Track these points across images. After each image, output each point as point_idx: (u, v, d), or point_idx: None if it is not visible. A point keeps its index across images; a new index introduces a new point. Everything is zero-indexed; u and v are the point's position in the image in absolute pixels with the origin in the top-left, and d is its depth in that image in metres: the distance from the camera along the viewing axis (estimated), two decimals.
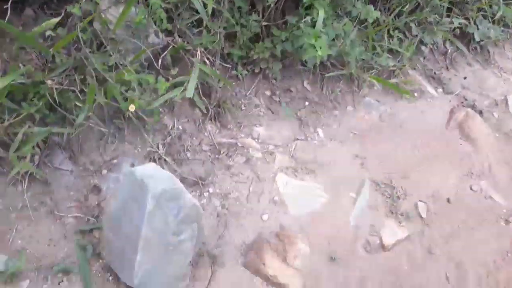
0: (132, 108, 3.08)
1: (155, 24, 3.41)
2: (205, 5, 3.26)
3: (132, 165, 3.39)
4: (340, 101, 4.67)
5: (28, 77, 2.89)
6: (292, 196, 3.69)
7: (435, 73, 5.23)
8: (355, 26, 4.35)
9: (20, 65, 2.89)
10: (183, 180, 3.37)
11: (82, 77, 3.06)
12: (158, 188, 2.54)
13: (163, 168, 3.51)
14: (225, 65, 4.05)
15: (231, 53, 4.04)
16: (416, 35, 4.97)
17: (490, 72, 5.55)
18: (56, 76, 2.96)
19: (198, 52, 3.43)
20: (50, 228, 3.07)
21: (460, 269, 3.55)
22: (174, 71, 3.54)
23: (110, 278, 2.98)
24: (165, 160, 3.56)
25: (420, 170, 4.26)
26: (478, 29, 5.29)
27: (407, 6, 4.72)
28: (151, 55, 3.42)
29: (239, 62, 4.17)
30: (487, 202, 4.11)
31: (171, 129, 3.67)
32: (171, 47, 3.54)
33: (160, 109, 3.60)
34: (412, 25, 4.92)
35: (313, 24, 3.86)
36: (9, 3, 2.74)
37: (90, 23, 3.04)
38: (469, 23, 5.28)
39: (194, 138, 3.80)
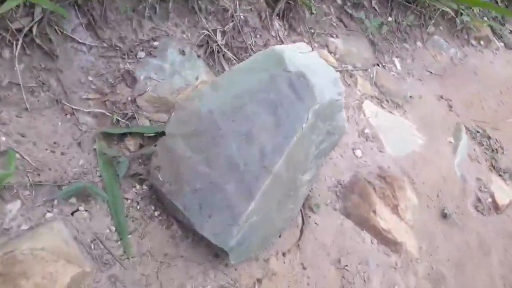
0: None
1: None
2: None
3: (182, 52, 2.17)
4: (409, 33, 3.76)
5: None
6: (385, 131, 2.69)
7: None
8: None
9: None
10: None
11: None
12: (326, 96, 1.41)
13: (221, 65, 2.34)
14: None
15: None
16: None
17: None
18: None
19: None
20: (56, 126, 1.78)
21: None
22: None
23: (160, 217, 1.77)
24: (223, 55, 2.37)
25: (509, 122, 3.46)
26: None
27: None
28: None
29: None
30: None
31: (231, 16, 2.48)
32: None
33: None
34: None
35: None
36: None
37: None
38: None
39: (258, 36, 2.65)
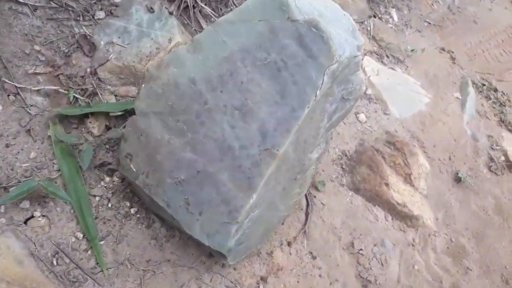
0: None
1: None
2: None
3: (150, 10, 1.77)
4: None
5: None
6: (389, 90, 2.37)
7: None
8: None
9: None
10: None
11: None
12: (346, 51, 1.07)
13: (199, 23, 1.95)
14: None
15: None
16: None
17: None
18: None
19: None
20: None
21: None
22: None
23: (138, 214, 1.43)
24: (200, 11, 1.98)
25: None
26: None
27: None
28: None
29: None
30: None
31: None
32: None
33: None
34: None
35: None
36: None
37: None
38: None
39: None
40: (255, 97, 1.14)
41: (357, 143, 2.10)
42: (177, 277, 1.39)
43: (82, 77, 1.59)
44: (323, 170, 1.93)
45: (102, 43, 1.65)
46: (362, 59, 2.51)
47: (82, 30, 1.64)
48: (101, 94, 1.58)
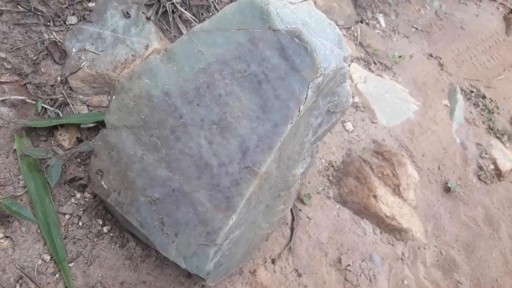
0: None
1: None
2: None
3: (127, 15, 1.68)
4: None
5: None
6: (377, 98, 2.31)
7: None
8: None
9: None
10: None
11: None
12: (331, 63, 1.00)
13: (178, 29, 1.87)
14: None
15: None
16: None
17: None
18: None
19: None
20: None
21: None
22: None
23: (112, 232, 1.34)
24: (180, 16, 1.89)
25: (501, 79, 3.18)
26: None
27: None
28: None
29: None
30: None
31: None
32: None
33: None
34: None
35: None
36: None
37: None
38: None
39: None
40: (235, 112, 1.06)
41: (344, 153, 2.03)
42: None
43: (52, 86, 1.49)
44: (309, 182, 1.85)
45: (73, 50, 1.55)
46: (349, 66, 2.45)
47: (52, 36, 1.55)
48: (72, 105, 1.48)
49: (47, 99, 1.46)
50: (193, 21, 1.94)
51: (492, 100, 2.95)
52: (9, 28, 1.49)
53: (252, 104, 1.04)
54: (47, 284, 1.19)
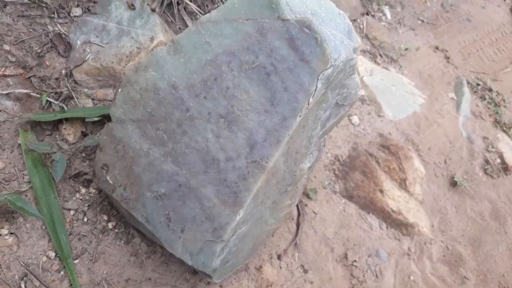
0: None
1: None
2: None
3: (131, 6, 1.65)
4: None
5: None
6: (383, 91, 2.28)
7: None
8: None
9: None
10: None
11: None
12: (341, 54, 0.97)
13: (183, 21, 1.84)
14: None
15: None
16: None
17: None
18: None
19: None
20: None
21: None
22: None
23: (117, 229, 1.32)
24: (185, 7, 1.86)
25: (508, 72, 3.14)
26: None
27: None
28: None
29: None
30: None
31: None
32: None
33: None
34: None
35: None
36: None
37: None
38: None
39: None
40: (242, 105, 1.04)
41: (350, 147, 2.01)
42: None
43: (57, 79, 1.47)
44: (315, 177, 1.83)
45: (78, 42, 1.53)
46: None
47: (56, 29, 1.52)
48: (77, 98, 1.46)
49: (52, 92, 1.44)
50: (198, 13, 1.91)
51: (498, 93, 2.92)
52: (13, 20, 1.47)
53: (260, 96, 1.02)
54: (52, 281, 1.18)
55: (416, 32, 3.01)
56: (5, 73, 1.39)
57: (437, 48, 2.97)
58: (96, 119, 1.42)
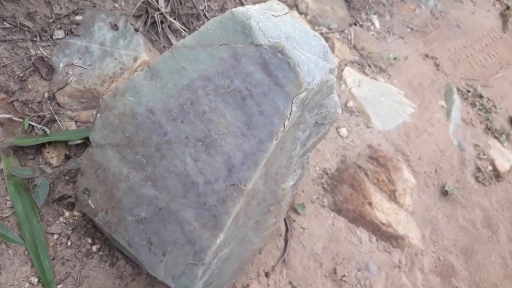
0: None
1: None
2: None
3: (114, 27, 1.66)
4: None
5: None
6: (372, 102, 2.29)
7: None
8: None
9: None
10: None
11: None
12: (315, 77, 0.98)
13: (168, 39, 1.84)
14: None
15: None
16: None
17: None
18: None
19: None
20: None
21: None
22: None
23: (101, 251, 1.32)
24: (169, 26, 1.87)
25: (498, 77, 3.15)
26: None
27: None
28: None
29: None
30: None
31: None
32: None
33: None
34: None
35: None
36: None
37: None
38: None
39: None
40: (219, 128, 1.04)
41: (338, 160, 2.01)
42: None
43: (39, 103, 1.47)
44: (302, 191, 1.83)
45: (61, 65, 1.54)
46: (342, 71, 2.43)
47: (39, 52, 1.53)
48: (60, 121, 1.46)
49: (35, 116, 1.44)
50: (182, 30, 1.92)
51: (489, 99, 2.92)
52: None
53: (237, 120, 1.02)
54: None
55: (406, 41, 3.03)
56: None
57: (426, 55, 2.98)
58: (79, 141, 1.42)
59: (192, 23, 2.01)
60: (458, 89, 2.85)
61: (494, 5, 4.14)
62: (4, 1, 1.53)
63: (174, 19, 1.90)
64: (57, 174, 1.39)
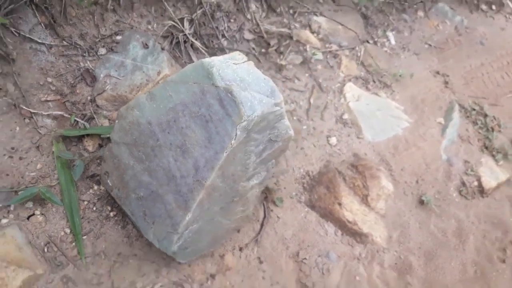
0: None
1: None
2: None
3: (145, 46, 2.14)
4: (409, 2, 3.50)
5: None
6: (366, 115, 2.60)
7: None
8: None
9: None
10: None
11: None
12: (256, 111, 1.38)
13: (189, 56, 2.29)
14: None
15: None
16: None
17: None
18: None
19: None
20: (14, 131, 1.84)
21: None
22: None
23: (116, 217, 1.84)
24: (192, 45, 2.32)
25: (511, 97, 3.26)
26: None
27: None
28: None
29: None
30: None
31: (200, 1, 2.40)
32: None
33: None
34: None
35: None
36: None
37: None
38: None
39: (232, 20, 2.57)
40: (191, 140, 1.49)
41: (322, 165, 2.38)
42: (140, 268, 1.78)
43: (84, 104, 2.01)
44: (284, 188, 2.24)
45: (101, 75, 2.06)
46: (344, 86, 2.74)
47: (86, 65, 2.06)
48: (97, 119, 1.99)
49: (79, 114, 1.98)
50: (202, 49, 2.37)
51: (494, 118, 3.08)
52: (56, 58, 2.02)
53: (202, 136, 1.46)
54: (65, 249, 1.72)
55: (420, 57, 3.25)
56: (47, 99, 1.95)
57: (437, 72, 3.19)
58: (109, 135, 1.94)
59: (212, 41, 2.45)
60: (463, 107, 3.04)
61: None
62: (64, 25, 2.07)
63: (196, 39, 2.35)
64: (91, 158, 1.92)
